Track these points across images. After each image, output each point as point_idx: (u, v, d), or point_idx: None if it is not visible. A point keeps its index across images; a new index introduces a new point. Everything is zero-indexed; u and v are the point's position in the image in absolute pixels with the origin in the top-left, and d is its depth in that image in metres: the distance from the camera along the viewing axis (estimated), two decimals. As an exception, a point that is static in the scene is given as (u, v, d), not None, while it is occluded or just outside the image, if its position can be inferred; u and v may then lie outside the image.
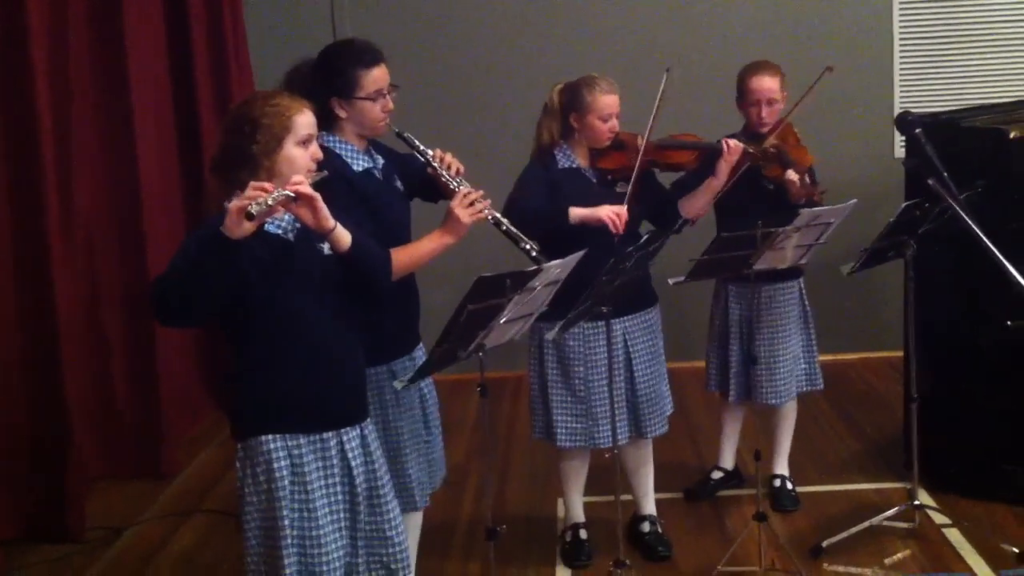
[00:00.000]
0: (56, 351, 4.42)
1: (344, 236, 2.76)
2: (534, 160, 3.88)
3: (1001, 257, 3.42)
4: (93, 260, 5.03)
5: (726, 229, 3.64)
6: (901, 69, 6.23)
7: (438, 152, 3.31)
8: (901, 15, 6.19)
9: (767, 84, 4.11)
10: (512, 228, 3.24)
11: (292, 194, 2.57)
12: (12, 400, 4.39)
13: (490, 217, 3.21)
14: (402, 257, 3.08)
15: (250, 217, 2.45)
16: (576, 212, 3.68)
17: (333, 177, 2.82)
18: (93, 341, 5.01)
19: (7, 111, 4.33)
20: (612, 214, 3.66)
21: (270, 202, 2.49)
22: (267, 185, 2.53)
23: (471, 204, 3.15)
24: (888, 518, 4.06)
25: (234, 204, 2.49)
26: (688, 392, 4.68)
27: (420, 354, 3.37)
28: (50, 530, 4.44)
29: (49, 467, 4.46)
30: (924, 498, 4.21)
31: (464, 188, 3.20)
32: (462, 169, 3.33)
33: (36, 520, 4.46)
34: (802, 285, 4.34)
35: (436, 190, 3.34)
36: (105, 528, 4.57)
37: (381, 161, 3.36)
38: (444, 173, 3.26)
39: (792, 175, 4.00)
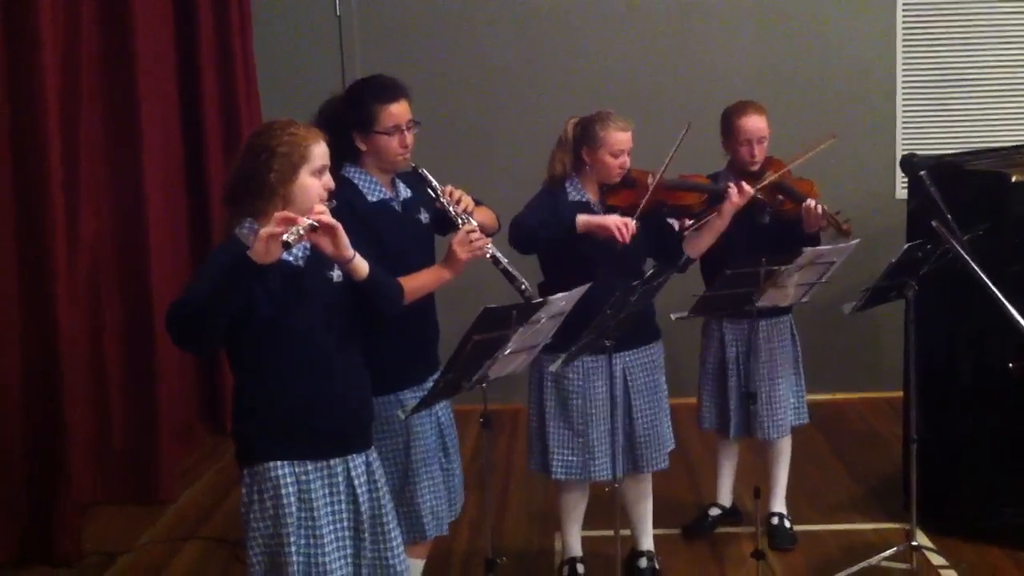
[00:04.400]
0: (56, 374, 4.41)
1: (362, 265, 2.81)
2: (545, 189, 3.90)
3: (1003, 299, 3.43)
4: (96, 286, 5.04)
5: (727, 265, 3.66)
6: (903, 112, 6.28)
7: (449, 188, 3.35)
8: (904, 59, 6.25)
9: (757, 123, 4.16)
10: (509, 267, 3.29)
11: (316, 223, 2.62)
12: (9, 422, 4.37)
13: (488, 254, 3.25)
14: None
15: (287, 246, 2.54)
16: (583, 219, 3.66)
17: (340, 206, 2.85)
18: (93, 365, 5.01)
19: (16, 137, 4.34)
20: (620, 223, 3.63)
21: (301, 231, 2.56)
22: (294, 216, 2.59)
23: (471, 241, 3.20)
24: (886, 559, 4.05)
25: (265, 231, 2.54)
26: (685, 428, 4.68)
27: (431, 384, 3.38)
28: (44, 554, 4.41)
29: (44, 490, 4.44)
30: (922, 539, 4.20)
31: (467, 225, 3.25)
32: (471, 207, 3.36)
33: (30, 543, 4.43)
34: (792, 320, 4.36)
35: (447, 225, 3.37)
36: (100, 553, 4.54)
37: (407, 194, 3.41)
38: (451, 208, 3.31)
39: (811, 202, 4.02)
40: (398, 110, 3.28)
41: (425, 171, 3.35)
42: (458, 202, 3.33)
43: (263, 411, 2.78)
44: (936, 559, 4.12)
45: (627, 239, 3.62)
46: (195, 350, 2.74)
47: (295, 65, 6.22)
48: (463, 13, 6.28)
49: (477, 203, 3.43)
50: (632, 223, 3.65)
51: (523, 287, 3.27)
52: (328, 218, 2.69)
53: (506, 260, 3.30)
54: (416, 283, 3.20)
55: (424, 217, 3.43)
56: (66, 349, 4.44)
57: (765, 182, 4.08)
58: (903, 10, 6.22)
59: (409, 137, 3.32)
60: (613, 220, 3.64)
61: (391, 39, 6.24)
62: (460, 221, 3.28)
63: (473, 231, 3.23)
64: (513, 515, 4.86)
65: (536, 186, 3.94)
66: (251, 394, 2.80)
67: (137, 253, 5.20)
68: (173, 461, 5.37)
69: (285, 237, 2.53)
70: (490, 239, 3.29)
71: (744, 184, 3.95)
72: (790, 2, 6.23)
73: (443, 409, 3.41)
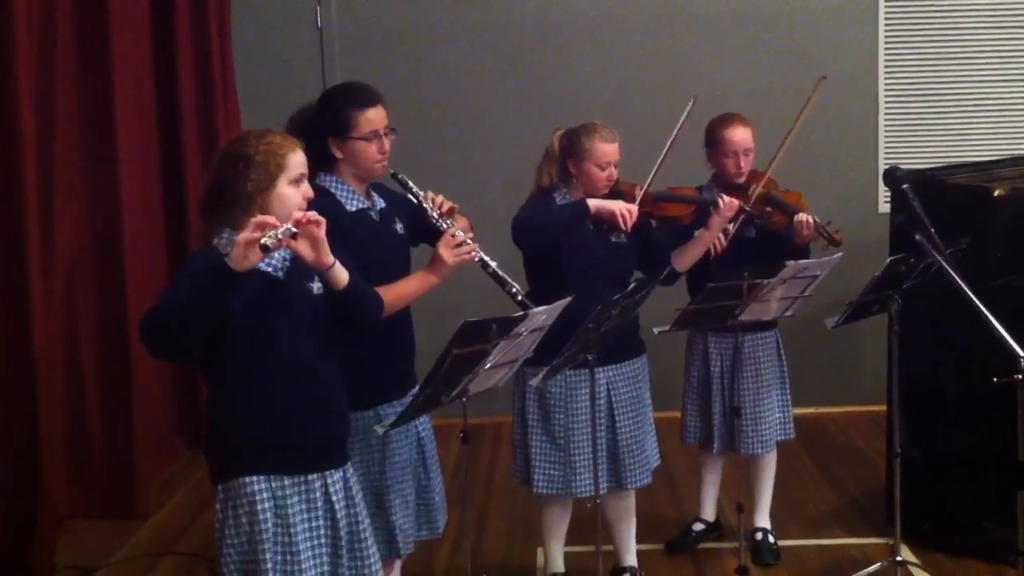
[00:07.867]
0: (31, 386, 4.35)
1: (342, 273, 2.76)
2: (536, 196, 3.87)
3: (986, 313, 3.42)
4: (72, 296, 4.98)
5: (712, 279, 3.63)
6: (886, 126, 6.29)
7: (429, 193, 3.33)
8: (886, 73, 6.26)
9: (742, 135, 4.14)
10: (498, 271, 3.25)
11: (295, 229, 2.57)
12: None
13: (477, 258, 3.21)
14: (387, 296, 3.08)
15: (266, 249, 2.47)
16: (594, 201, 3.70)
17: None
18: (69, 377, 4.94)
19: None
20: (624, 209, 3.67)
21: (280, 235, 2.50)
22: (271, 219, 2.53)
23: (457, 245, 3.16)
24: (869, 574, 4.02)
25: (242, 236, 2.48)
26: (669, 442, 4.65)
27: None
28: (18, 569, 4.35)
29: (19, 504, 4.37)
30: (906, 554, 4.17)
31: (452, 229, 3.21)
32: (454, 208, 3.33)
33: (4, 558, 4.36)
34: (778, 335, 4.34)
35: (422, 235, 3.33)
36: (75, 568, 4.48)
37: (381, 203, 3.37)
38: (433, 213, 3.28)
39: (802, 216, 4.01)
40: (375, 115, 3.25)
41: (405, 176, 3.32)
42: (440, 207, 3.30)
43: (240, 424, 2.72)
44: (920, 574, 4.10)
45: (627, 227, 3.67)
46: (170, 359, 2.69)
47: (275, 76, 6.17)
48: (445, 24, 6.25)
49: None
50: (636, 210, 3.69)
51: (514, 290, 3.24)
52: (310, 215, 2.61)
53: (495, 263, 3.26)
54: (401, 290, 3.17)
55: (399, 227, 3.40)
56: (41, 358, 4.38)
57: (755, 195, 4.07)
58: (885, 24, 6.24)
59: (387, 143, 3.28)
60: (619, 205, 3.67)
61: (372, 51, 6.22)
62: (443, 225, 3.25)
63: (458, 235, 3.20)
64: (495, 530, 4.82)
65: (520, 197, 3.91)
66: (227, 407, 2.74)
67: (113, 261, 5.14)
68: (151, 474, 5.31)
69: (264, 240, 2.47)
70: (477, 244, 3.25)
71: (729, 198, 3.94)
72: (774, 15, 6.25)
73: (423, 424, 3.37)
